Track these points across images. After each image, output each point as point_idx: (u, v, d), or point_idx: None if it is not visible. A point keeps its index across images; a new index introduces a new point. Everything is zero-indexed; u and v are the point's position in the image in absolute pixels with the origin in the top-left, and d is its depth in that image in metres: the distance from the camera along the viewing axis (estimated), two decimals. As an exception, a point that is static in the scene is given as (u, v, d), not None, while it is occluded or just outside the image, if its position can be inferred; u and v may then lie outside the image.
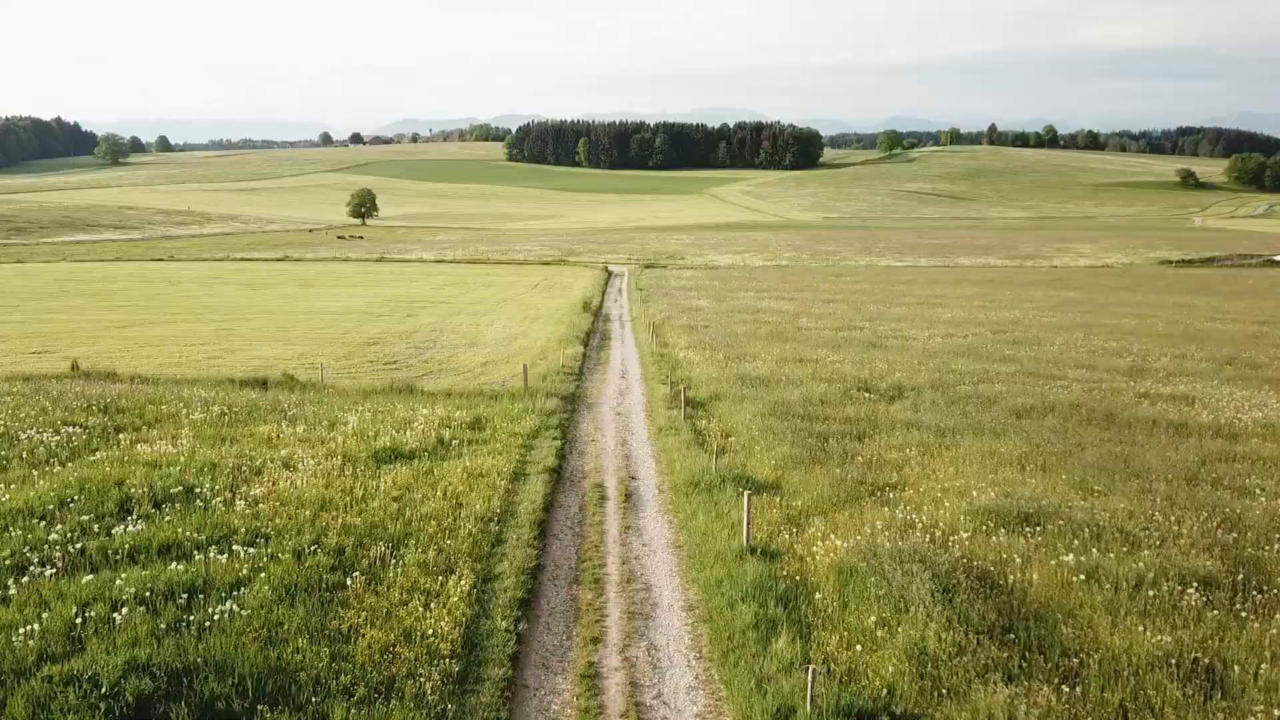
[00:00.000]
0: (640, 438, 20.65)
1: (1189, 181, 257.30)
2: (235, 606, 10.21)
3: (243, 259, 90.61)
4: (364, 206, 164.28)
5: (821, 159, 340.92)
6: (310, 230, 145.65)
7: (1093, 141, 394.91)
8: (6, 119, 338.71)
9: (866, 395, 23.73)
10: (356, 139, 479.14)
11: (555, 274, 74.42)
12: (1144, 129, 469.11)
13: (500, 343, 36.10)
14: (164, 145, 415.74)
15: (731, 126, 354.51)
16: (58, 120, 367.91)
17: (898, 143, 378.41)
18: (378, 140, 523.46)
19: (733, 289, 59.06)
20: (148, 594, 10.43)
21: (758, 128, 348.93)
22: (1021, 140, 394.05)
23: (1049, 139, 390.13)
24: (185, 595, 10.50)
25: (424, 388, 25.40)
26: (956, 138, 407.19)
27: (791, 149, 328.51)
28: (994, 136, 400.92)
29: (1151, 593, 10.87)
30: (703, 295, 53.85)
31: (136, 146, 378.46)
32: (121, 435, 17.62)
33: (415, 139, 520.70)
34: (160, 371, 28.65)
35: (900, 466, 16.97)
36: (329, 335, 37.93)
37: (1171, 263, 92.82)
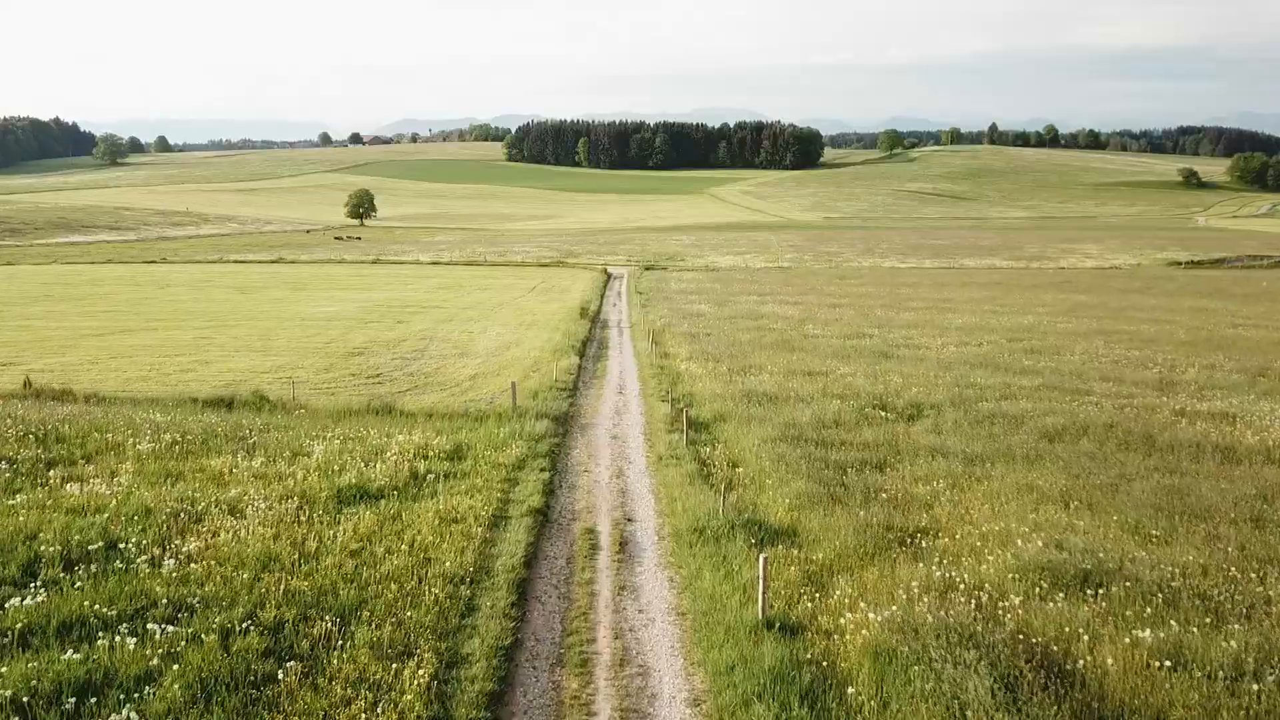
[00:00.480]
0: (638, 467, 18.71)
1: (1191, 181, 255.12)
2: (134, 714, 8.24)
3: (237, 261, 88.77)
4: (362, 207, 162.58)
5: (822, 159, 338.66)
6: (308, 231, 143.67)
7: (1094, 141, 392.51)
8: (5, 119, 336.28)
9: (883, 415, 21.93)
10: (356, 139, 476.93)
11: (553, 276, 72.53)
12: (1144, 129, 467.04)
13: (492, 353, 34.25)
14: (163, 145, 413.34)
15: (731, 126, 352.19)
16: (56, 120, 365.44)
17: (898, 142, 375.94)
18: (377, 140, 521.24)
19: (735, 292, 57.15)
20: (28, 697, 8.42)
21: (758, 128, 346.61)
22: (1022, 140, 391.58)
23: (1050, 138, 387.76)
24: (75, 698, 8.49)
25: (404, 407, 23.50)
26: (957, 137, 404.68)
27: (792, 149, 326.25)
28: (994, 136, 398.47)
29: (1256, 686, 8.95)
30: (704, 299, 51.98)
31: (135, 147, 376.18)
32: (53, 472, 15.55)
33: (415, 139, 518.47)
34: (124, 387, 26.79)
35: (929, 505, 15.13)
36: (312, 345, 36.09)
37: (1180, 264, 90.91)
